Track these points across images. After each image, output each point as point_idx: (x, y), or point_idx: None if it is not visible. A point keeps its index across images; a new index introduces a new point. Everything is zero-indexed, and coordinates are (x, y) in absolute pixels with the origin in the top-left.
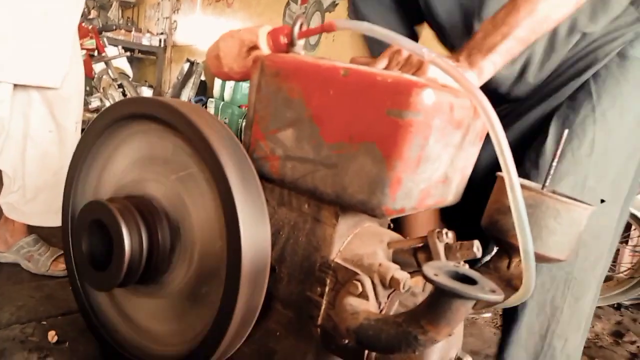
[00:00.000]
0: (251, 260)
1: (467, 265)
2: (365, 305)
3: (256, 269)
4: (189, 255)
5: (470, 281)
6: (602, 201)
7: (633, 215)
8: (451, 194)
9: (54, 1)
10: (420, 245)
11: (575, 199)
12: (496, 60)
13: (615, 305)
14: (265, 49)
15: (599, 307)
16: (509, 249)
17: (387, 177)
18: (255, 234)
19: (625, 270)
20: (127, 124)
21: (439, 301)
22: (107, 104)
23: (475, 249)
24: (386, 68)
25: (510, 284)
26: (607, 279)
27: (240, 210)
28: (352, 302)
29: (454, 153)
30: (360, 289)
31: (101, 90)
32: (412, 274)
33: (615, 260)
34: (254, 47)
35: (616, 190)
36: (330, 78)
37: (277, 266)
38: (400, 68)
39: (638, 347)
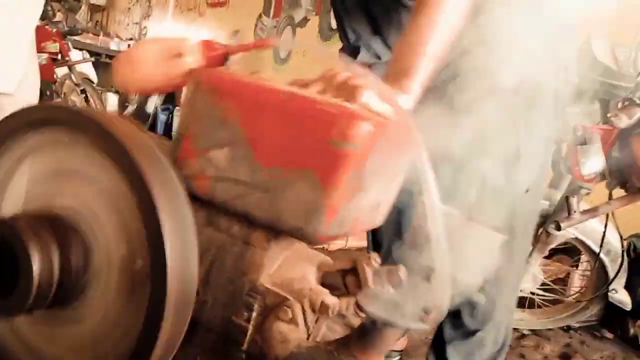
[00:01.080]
0: (178, 282)
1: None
2: (295, 333)
3: (182, 292)
4: (106, 276)
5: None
6: (527, 191)
7: (581, 242)
8: (379, 218)
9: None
10: (349, 268)
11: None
12: (422, 79)
13: (565, 328)
14: (193, 60)
15: (549, 329)
16: None
17: (324, 205)
18: (183, 254)
19: (574, 294)
20: (34, 133)
21: (371, 330)
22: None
23: (400, 274)
24: (321, 92)
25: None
26: (557, 302)
27: (167, 227)
28: (282, 328)
29: (386, 180)
30: (290, 315)
31: (62, 95)
32: (339, 296)
33: (565, 284)
34: (180, 55)
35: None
36: (269, 101)
37: (200, 289)
38: (335, 92)
39: None
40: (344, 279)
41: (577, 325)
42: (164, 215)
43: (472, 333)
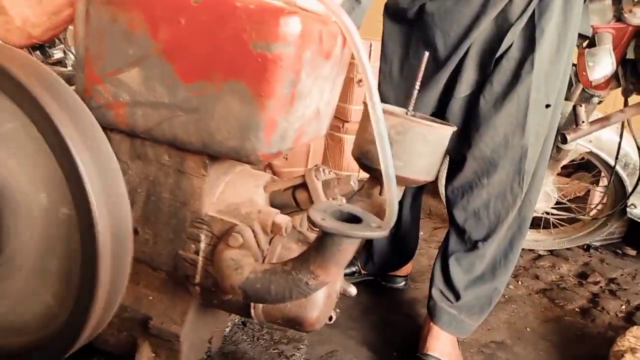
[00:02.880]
0: (110, 225)
1: (344, 201)
2: (247, 258)
3: (117, 233)
4: (25, 226)
5: (355, 219)
6: (548, 106)
7: (597, 156)
8: (323, 128)
9: None
10: (298, 184)
11: (438, 121)
12: None
13: (585, 247)
14: None
15: (567, 249)
16: (380, 177)
17: (260, 119)
18: (109, 194)
19: (591, 211)
20: None
21: (328, 244)
22: (71, 55)
23: (352, 183)
24: None
25: (383, 209)
26: (575, 220)
27: (84, 168)
28: (233, 255)
29: (324, 86)
30: (241, 241)
31: (63, 40)
32: (292, 214)
33: (586, 202)
34: None
35: (552, 92)
36: (179, 6)
37: (139, 227)
38: None
39: (601, 287)
40: (294, 195)
41: (597, 243)
42: (80, 156)
43: (474, 246)
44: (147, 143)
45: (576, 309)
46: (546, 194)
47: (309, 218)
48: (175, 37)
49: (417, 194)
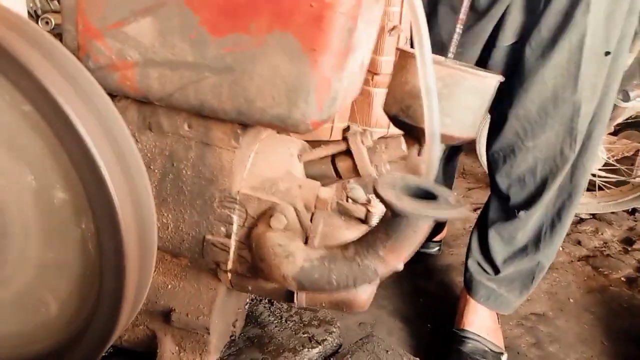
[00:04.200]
0: (132, 210)
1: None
2: (296, 242)
3: (140, 218)
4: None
5: (426, 194)
6: (608, 53)
7: None
8: (361, 80)
9: None
10: (339, 151)
11: (481, 69)
12: None
13: (630, 210)
14: None
15: (611, 213)
16: (420, 135)
17: (312, 80)
18: (126, 169)
19: None
20: None
21: (402, 227)
22: None
23: (403, 147)
24: None
25: (417, 173)
26: (622, 183)
27: (91, 140)
28: (280, 240)
29: (371, 33)
30: (285, 222)
31: None
32: (331, 184)
33: (632, 164)
34: None
35: (612, 38)
36: None
37: (156, 211)
38: None
39: None
40: (334, 164)
41: None
42: (85, 126)
43: (516, 213)
44: (161, 111)
45: (622, 278)
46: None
47: (379, 197)
48: None
49: (452, 154)
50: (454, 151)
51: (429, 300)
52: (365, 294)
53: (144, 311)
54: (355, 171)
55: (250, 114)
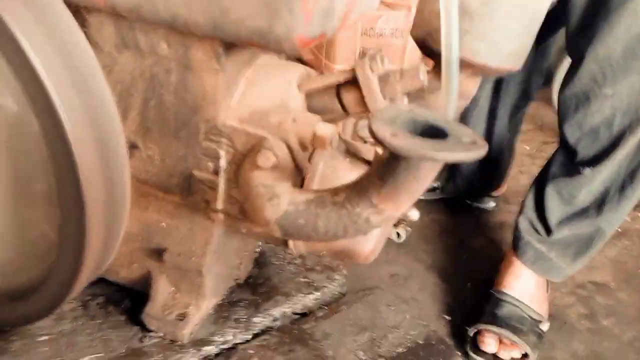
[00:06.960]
0: (85, 137)
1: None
2: (283, 184)
3: (101, 147)
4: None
5: (437, 131)
6: None
7: None
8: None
9: None
10: (345, 80)
11: None
12: None
13: None
14: None
15: None
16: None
17: None
18: (83, 95)
19: None
20: None
21: (400, 170)
22: None
23: (421, 76)
24: None
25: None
26: None
27: (41, 64)
28: (265, 180)
29: None
30: (273, 160)
31: None
32: (336, 120)
33: None
34: None
35: None
36: None
37: (138, 141)
38: None
39: None
40: (339, 95)
41: None
42: (36, 53)
43: (580, 170)
44: (137, 26)
45: None
46: None
47: (372, 132)
48: None
49: (522, 99)
50: (522, 97)
51: (474, 258)
52: (368, 245)
53: (139, 248)
54: (363, 104)
55: (226, 28)
